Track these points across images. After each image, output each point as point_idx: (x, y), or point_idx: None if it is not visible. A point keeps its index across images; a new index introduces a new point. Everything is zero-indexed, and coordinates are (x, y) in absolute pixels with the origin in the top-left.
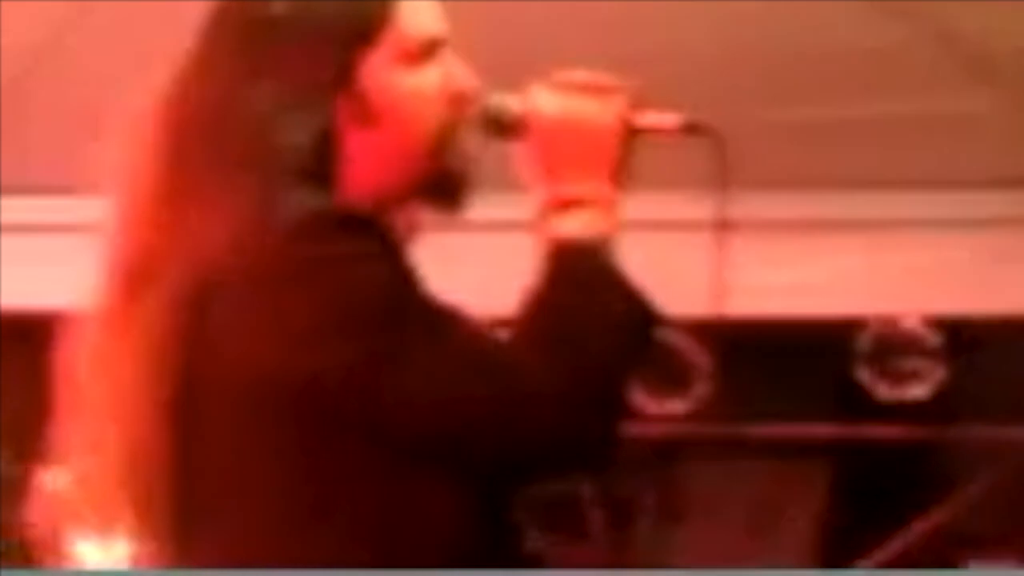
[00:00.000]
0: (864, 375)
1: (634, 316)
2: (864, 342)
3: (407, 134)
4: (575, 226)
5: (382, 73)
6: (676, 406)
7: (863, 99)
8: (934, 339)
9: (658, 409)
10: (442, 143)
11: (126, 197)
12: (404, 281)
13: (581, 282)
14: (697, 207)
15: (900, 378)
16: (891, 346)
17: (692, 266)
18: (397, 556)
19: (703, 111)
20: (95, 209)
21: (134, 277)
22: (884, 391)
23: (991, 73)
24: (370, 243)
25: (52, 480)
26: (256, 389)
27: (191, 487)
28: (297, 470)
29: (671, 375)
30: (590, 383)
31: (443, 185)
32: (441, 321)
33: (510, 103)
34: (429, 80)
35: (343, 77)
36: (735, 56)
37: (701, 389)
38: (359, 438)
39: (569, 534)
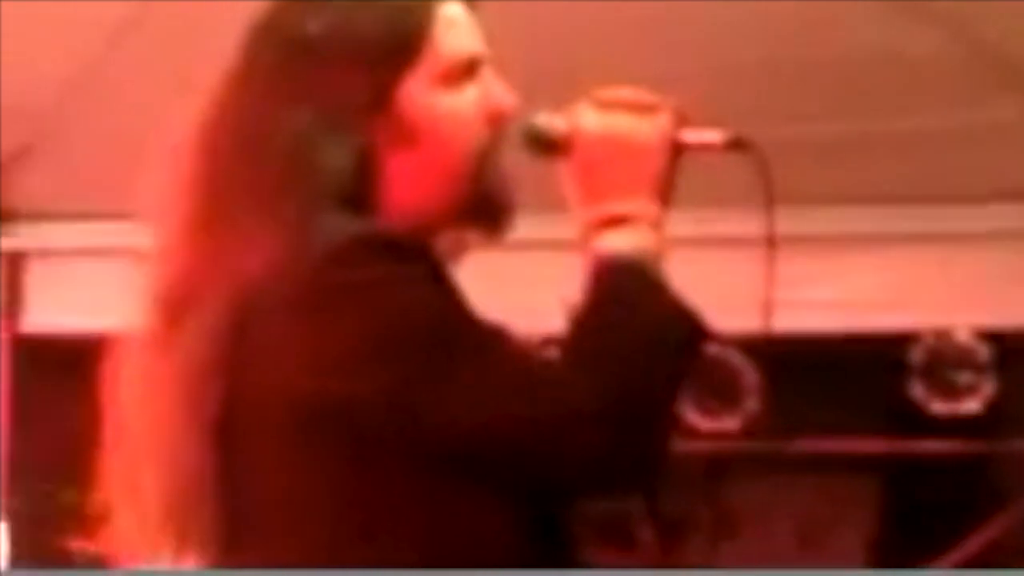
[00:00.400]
0: (916, 389)
1: (682, 332)
2: (916, 356)
3: (447, 155)
4: (621, 243)
5: (421, 94)
6: (727, 423)
7: (908, 111)
8: (985, 352)
9: (709, 426)
10: (482, 163)
11: (166, 224)
12: (446, 304)
13: (627, 299)
14: (746, 223)
15: (953, 392)
16: (943, 360)
17: (743, 282)
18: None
19: (742, 127)
20: (137, 234)
21: (175, 303)
22: (937, 405)
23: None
24: (411, 267)
25: (99, 507)
26: (296, 413)
27: (234, 513)
28: (339, 494)
29: (722, 391)
30: (637, 401)
31: (484, 206)
32: (485, 343)
33: (555, 121)
34: (468, 100)
35: (381, 98)
36: (773, 70)
37: (752, 405)
38: (401, 462)
39: (620, 550)
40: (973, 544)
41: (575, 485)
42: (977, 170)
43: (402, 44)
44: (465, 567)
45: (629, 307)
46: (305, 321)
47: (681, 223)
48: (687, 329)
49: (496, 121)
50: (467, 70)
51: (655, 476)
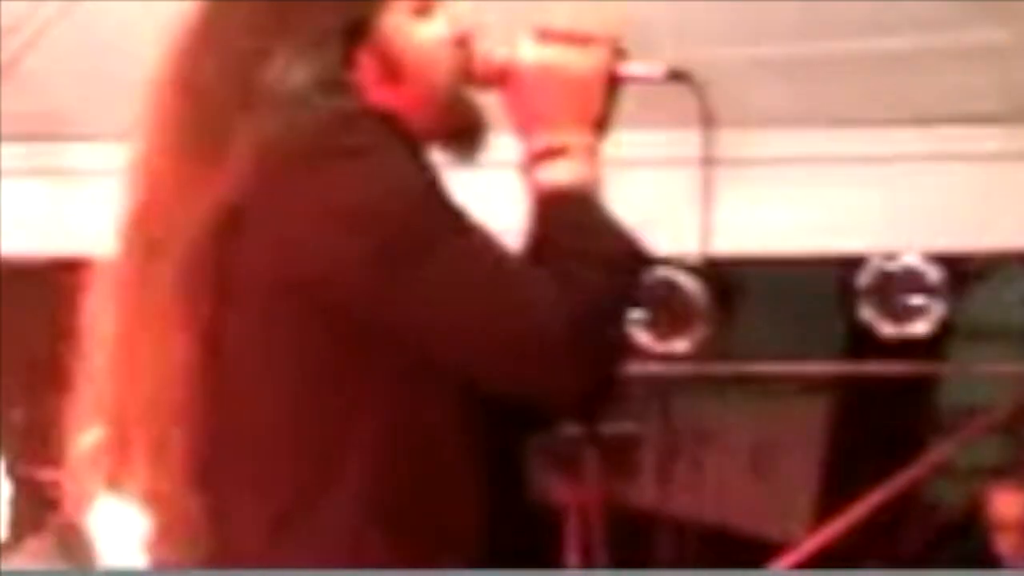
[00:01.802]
0: (866, 312)
1: (625, 258)
2: (865, 278)
3: (427, 84)
4: (561, 174)
5: (402, 28)
6: (678, 345)
7: (863, 34)
8: (935, 274)
9: (661, 348)
10: (456, 88)
11: (147, 155)
12: (426, 183)
13: (573, 228)
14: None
15: (902, 314)
16: (892, 282)
17: (693, 205)
18: (399, 464)
19: (703, 48)
20: (84, 155)
21: (156, 228)
22: (886, 327)
23: (995, 6)
24: (394, 143)
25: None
26: (278, 290)
27: (220, 421)
28: (315, 376)
29: (673, 314)
30: (592, 327)
31: (460, 130)
32: (461, 226)
33: (494, 53)
34: (440, 28)
35: (360, 27)
36: None
37: (702, 328)
38: (373, 340)
39: (565, 474)
40: (920, 464)
41: (534, 402)
42: (933, 95)
43: None
44: (420, 460)
45: (576, 236)
46: (289, 194)
47: (629, 145)
48: (630, 254)
49: (463, 43)
50: None
51: (606, 400)
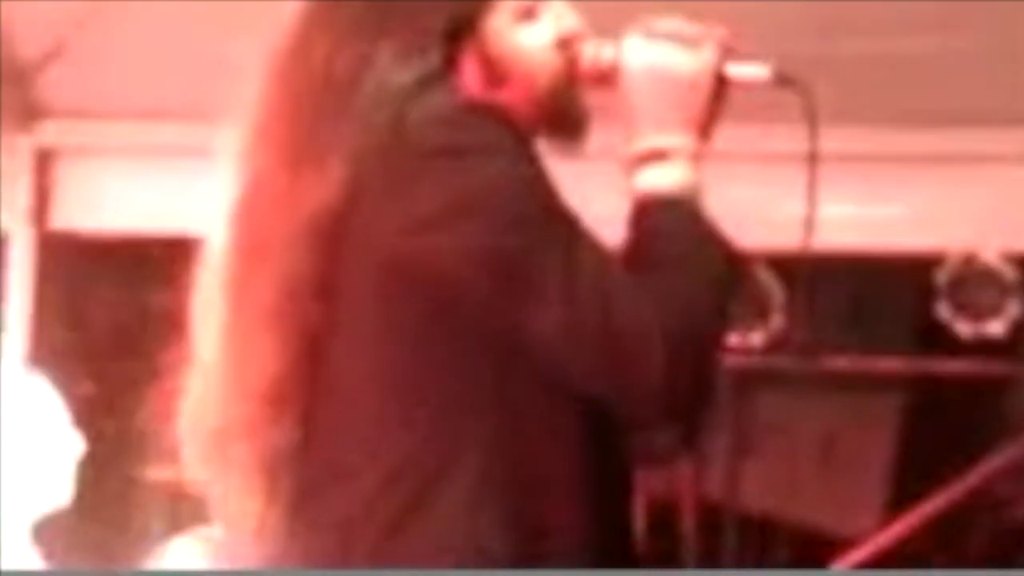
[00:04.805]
0: (942, 310)
1: (722, 267)
2: (943, 277)
3: (531, 87)
4: (660, 180)
5: (506, 34)
6: (753, 338)
7: (946, 31)
8: (1011, 274)
9: (735, 341)
10: (560, 88)
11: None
12: (537, 178)
13: (670, 235)
14: (773, 139)
15: (978, 313)
16: (969, 281)
17: (771, 198)
18: (510, 462)
19: (790, 42)
20: (167, 134)
21: (259, 232)
22: (962, 326)
23: None
24: (507, 137)
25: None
26: (389, 289)
27: (327, 424)
28: (426, 377)
29: (749, 307)
30: (687, 335)
31: (564, 124)
32: (569, 226)
33: (603, 52)
34: (545, 30)
35: (463, 28)
36: None
37: (778, 322)
38: (484, 338)
39: (641, 461)
40: (990, 466)
41: (627, 408)
42: (1009, 92)
43: None
44: (527, 472)
45: (671, 243)
46: (401, 185)
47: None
48: (727, 262)
49: (568, 45)
50: (541, 0)
51: (703, 408)
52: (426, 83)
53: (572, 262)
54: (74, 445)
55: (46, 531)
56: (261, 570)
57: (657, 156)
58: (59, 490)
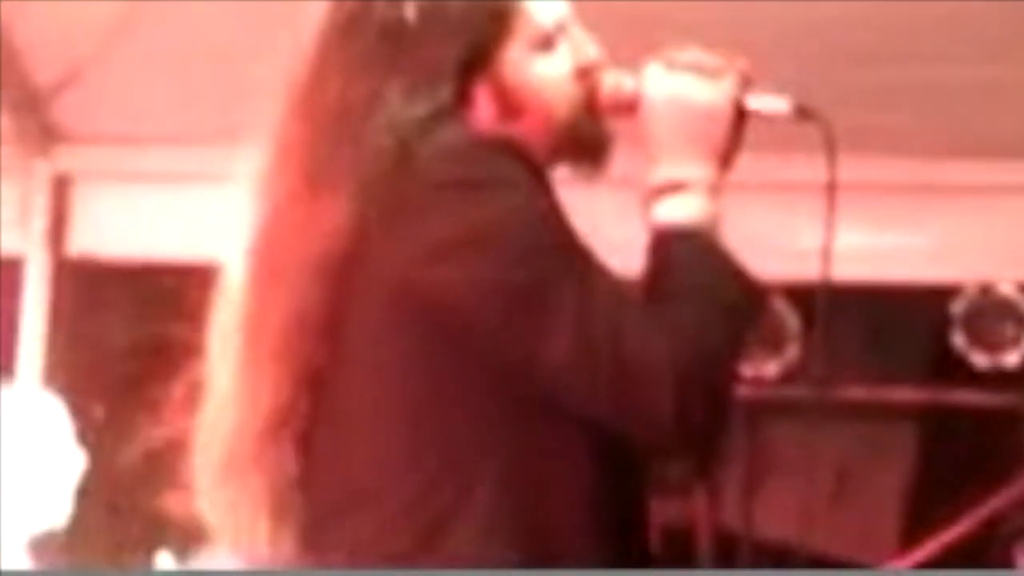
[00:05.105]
0: (958, 340)
1: (741, 300)
2: (959, 307)
3: (548, 118)
4: (678, 212)
5: (521, 65)
6: (768, 368)
7: (960, 61)
8: None
9: (750, 371)
10: (579, 117)
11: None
12: (550, 212)
13: (687, 268)
14: (787, 169)
15: (994, 344)
16: (985, 312)
17: (784, 228)
18: (524, 491)
19: (812, 72)
20: (182, 160)
21: (274, 262)
22: (978, 357)
23: None
24: (521, 170)
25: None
26: (400, 321)
27: (340, 453)
28: (438, 407)
29: (763, 337)
30: (700, 367)
31: (584, 151)
32: (581, 259)
33: (624, 82)
34: (562, 62)
35: (473, 63)
36: (838, 16)
37: (793, 352)
38: (496, 369)
39: (655, 490)
40: (1004, 496)
41: (644, 440)
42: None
43: (494, 15)
44: (540, 504)
45: (688, 276)
46: (411, 216)
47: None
48: (746, 297)
49: (586, 75)
50: (558, 31)
51: (718, 437)
52: (436, 118)
53: (584, 294)
54: (76, 463)
55: (44, 551)
56: (262, 570)
57: (675, 188)
58: (57, 508)
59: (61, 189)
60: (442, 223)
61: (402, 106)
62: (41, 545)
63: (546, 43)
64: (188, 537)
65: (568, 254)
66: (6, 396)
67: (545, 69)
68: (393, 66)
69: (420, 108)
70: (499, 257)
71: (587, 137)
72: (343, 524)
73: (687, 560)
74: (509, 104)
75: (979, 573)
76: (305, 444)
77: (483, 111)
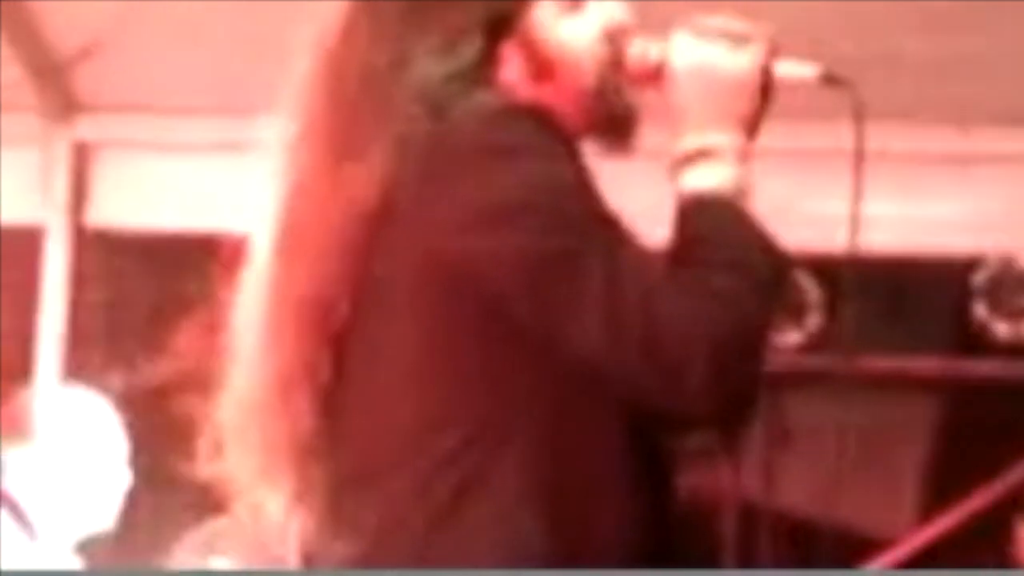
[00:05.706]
0: (979, 311)
1: (767, 269)
2: (980, 278)
3: (577, 81)
4: (705, 180)
5: (549, 25)
6: (790, 338)
7: (992, 32)
8: None
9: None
10: (606, 84)
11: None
12: (582, 182)
13: (715, 237)
14: (810, 137)
15: (1015, 315)
16: (1007, 283)
17: (808, 196)
18: (554, 461)
19: (844, 41)
20: (204, 129)
21: (302, 228)
22: (999, 328)
23: None
24: (554, 140)
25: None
26: (428, 289)
27: (368, 423)
28: (467, 375)
29: (786, 307)
30: (730, 338)
31: (612, 123)
32: (611, 228)
33: (650, 49)
34: (591, 23)
35: (500, 25)
36: None
37: (815, 321)
38: (524, 338)
39: (681, 461)
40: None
41: (675, 412)
42: None
43: None
44: (568, 472)
45: (716, 245)
46: (444, 184)
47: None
48: (774, 265)
49: (614, 39)
50: None
51: (749, 409)
52: (465, 77)
53: (614, 264)
54: (124, 476)
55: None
56: (264, 571)
57: (703, 155)
58: (105, 512)
59: (82, 158)
60: (473, 190)
61: (430, 67)
62: (89, 545)
63: (574, 4)
64: (212, 503)
65: (598, 223)
66: (57, 397)
67: (573, 30)
68: (419, 27)
69: (448, 67)
70: (530, 225)
71: (614, 109)
72: (370, 491)
73: (710, 531)
74: (538, 66)
75: (979, 573)
76: (328, 408)
77: (511, 72)
